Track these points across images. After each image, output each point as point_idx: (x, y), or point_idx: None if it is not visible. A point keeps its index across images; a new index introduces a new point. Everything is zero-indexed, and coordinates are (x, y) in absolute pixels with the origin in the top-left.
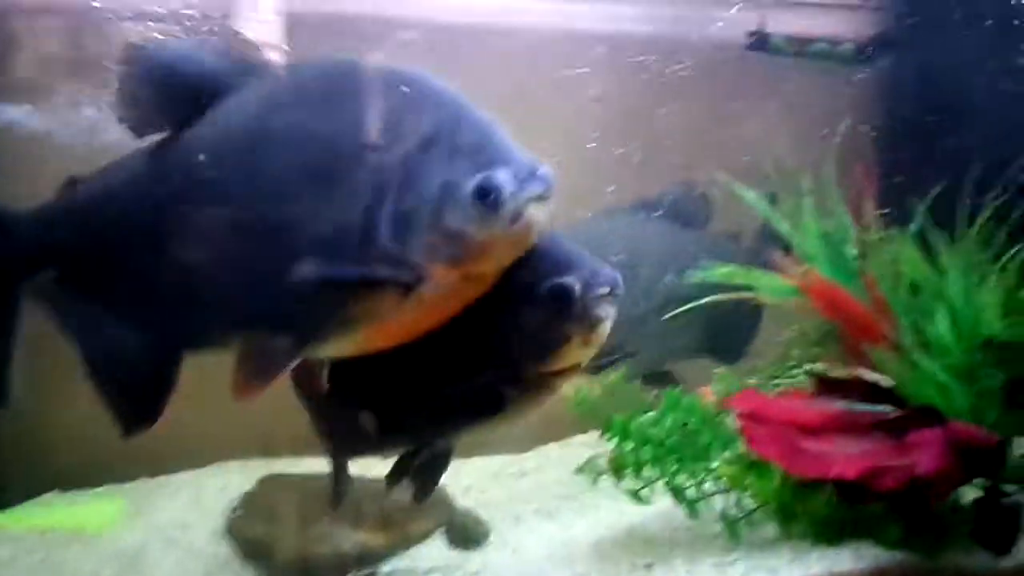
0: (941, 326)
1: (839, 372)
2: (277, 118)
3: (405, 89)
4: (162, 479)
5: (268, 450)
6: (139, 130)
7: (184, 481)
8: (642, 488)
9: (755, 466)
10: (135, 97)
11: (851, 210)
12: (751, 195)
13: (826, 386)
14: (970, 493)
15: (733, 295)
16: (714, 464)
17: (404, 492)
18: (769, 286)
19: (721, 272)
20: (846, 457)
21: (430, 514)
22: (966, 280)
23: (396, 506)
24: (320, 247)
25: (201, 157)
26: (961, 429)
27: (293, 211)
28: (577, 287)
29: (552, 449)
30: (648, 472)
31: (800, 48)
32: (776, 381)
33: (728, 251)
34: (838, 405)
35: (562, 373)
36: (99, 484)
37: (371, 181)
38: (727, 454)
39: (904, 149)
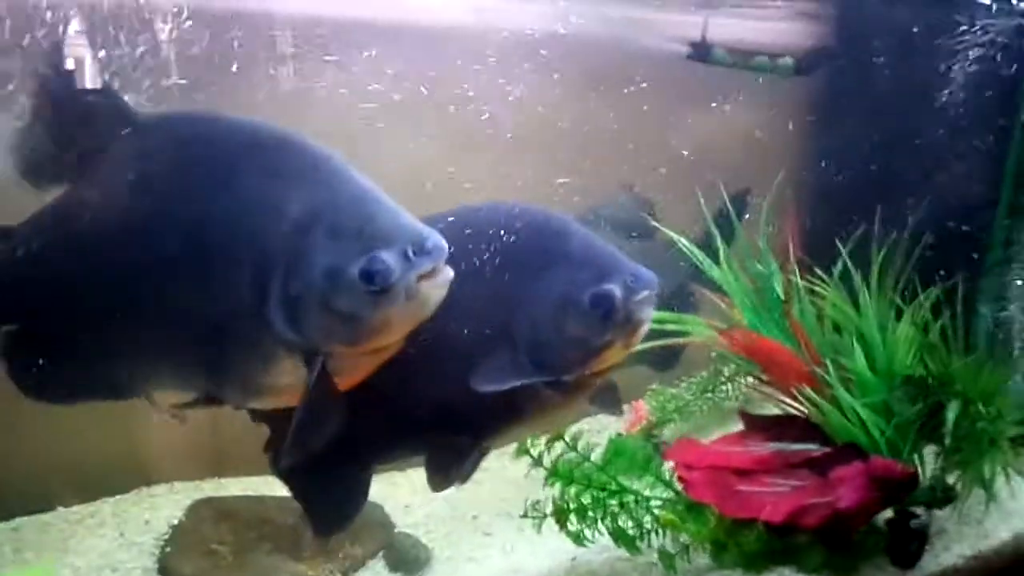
0: (860, 364)
1: (767, 411)
2: (161, 187)
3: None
4: (81, 509)
5: (193, 471)
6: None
7: (106, 512)
8: (584, 529)
9: (692, 508)
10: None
11: (779, 250)
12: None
13: (757, 425)
14: (884, 514)
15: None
16: (653, 505)
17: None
18: (697, 329)
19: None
20: (775, 498)
21: (370, 538)
22: (881, 319)
23: None
24: (213, 328)
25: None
26: (880, 464)
27: (176, 292)
28: (618, 294)
29: (491, 459)
30: (590, 513)
31: (741, 60)
32: (708, 395)
33: (672, 266)
34: (769, 446)
35: (600, 373)
36: (10, 516)
37: (257, 263)
38: (665, 494)
39: (837, 180)
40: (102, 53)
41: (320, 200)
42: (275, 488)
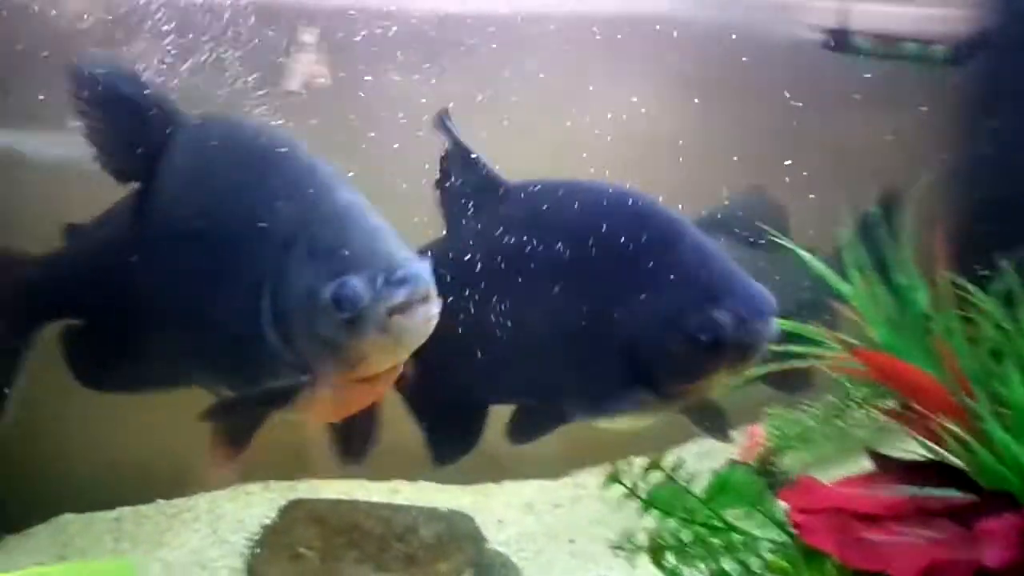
0: (1019, 395)
1: (904, 446)
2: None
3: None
4: (179, 503)
5: (290, 471)
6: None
7: (202, 508)
8: (682, 568)
9: (808, 556)
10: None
11: (924, 260)
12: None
13: (888, 464)
14: None
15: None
16: (763, 548)
17: (426, 527)
18: (826, 346)
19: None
20: (907, 550)
21: (458, 551)
22: None
23: (422, 544)
24: (228, 336)
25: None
26: None
27: (199, 297)
28: (729, 323)
29: (589, 476)
30: (690, 550)
31: (885, 48)
32: (835, 422)
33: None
34: (903, 489)
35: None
36: (112, 506)
37: (252, 277)
38: (778, 537)
39: (998, 183)
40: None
41: (303, 216)
42: (369, 492)
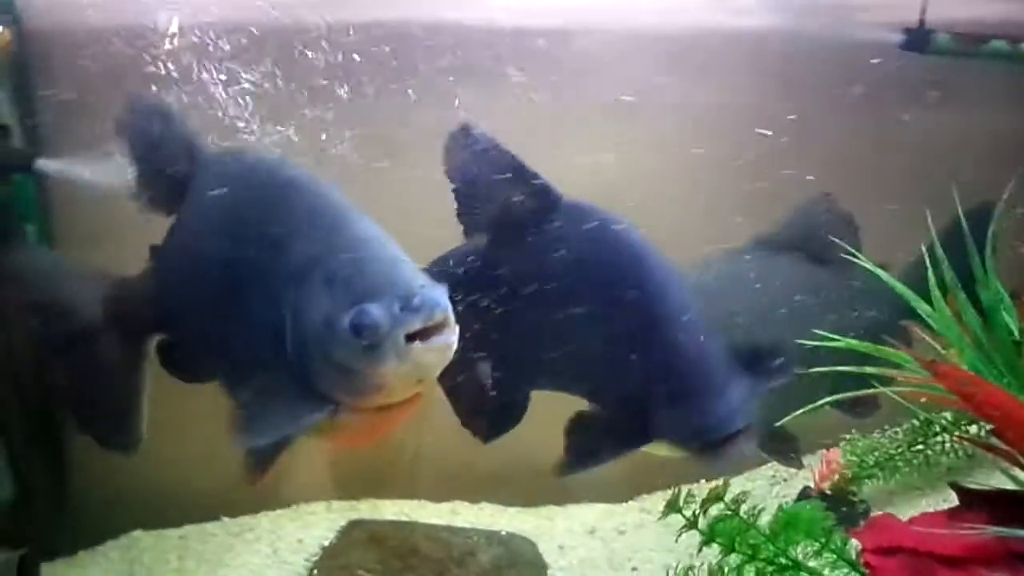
0: None
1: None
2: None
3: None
4: (243, 521)
5: (349, 491)
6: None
7: (264, 527)
8: None
9: None
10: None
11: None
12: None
13: (973, 499)
14: None
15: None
16: None
17: (486, 552)
18: (902, 365)
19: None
20: None
21: None
22: None
23: (480, 569)
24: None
25: None
26: None
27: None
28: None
29: (654, 500)
30: None
31: (971, 47)
32: (918, 448)
33: (867, 294)
34: (989, 530)
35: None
36: (180, 524)
37: (273, 307)
38: None
39: None
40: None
41: (319, 246)
42: (429, 513)
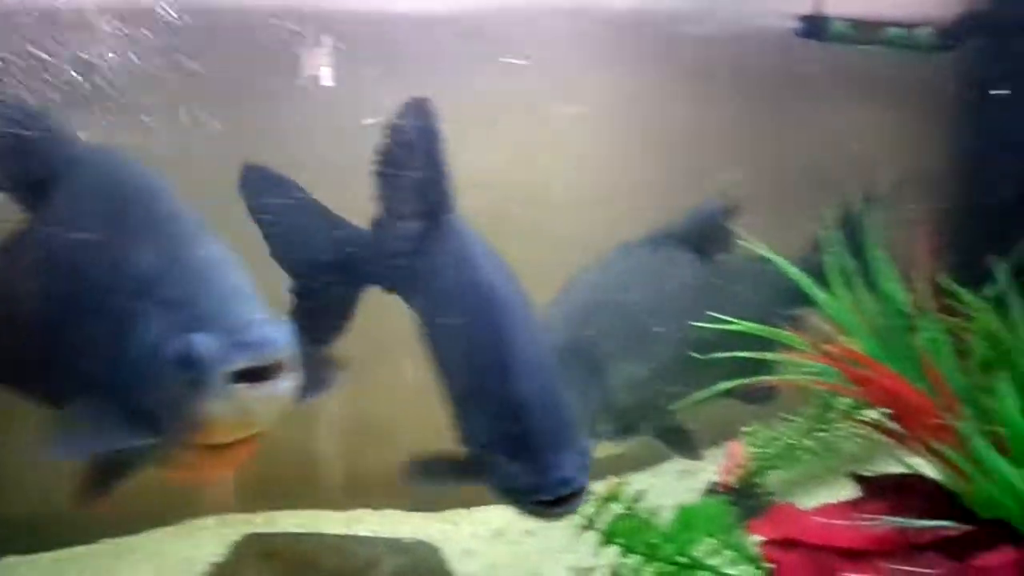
0: (1011, 412)
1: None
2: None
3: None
4: (125, 541)
5: (244, 504)
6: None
7: (147, 548)
8: None
9: None
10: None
11: (906, 264)
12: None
13: (873, 488)
14: None
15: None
16: None
17: (388, 562)
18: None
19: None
20: None
21: None
22: None
23: None
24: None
25: None
26: None
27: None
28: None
29: None
30: None
31: (868, 34)
32: (819, 434)
33: (756, 281)
34: (889, 521)
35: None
36: (53, 547)
37: (115, 320)
38: (752, 572)
39: (991, 180)
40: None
41: (161, 262)
42: (330, 523)
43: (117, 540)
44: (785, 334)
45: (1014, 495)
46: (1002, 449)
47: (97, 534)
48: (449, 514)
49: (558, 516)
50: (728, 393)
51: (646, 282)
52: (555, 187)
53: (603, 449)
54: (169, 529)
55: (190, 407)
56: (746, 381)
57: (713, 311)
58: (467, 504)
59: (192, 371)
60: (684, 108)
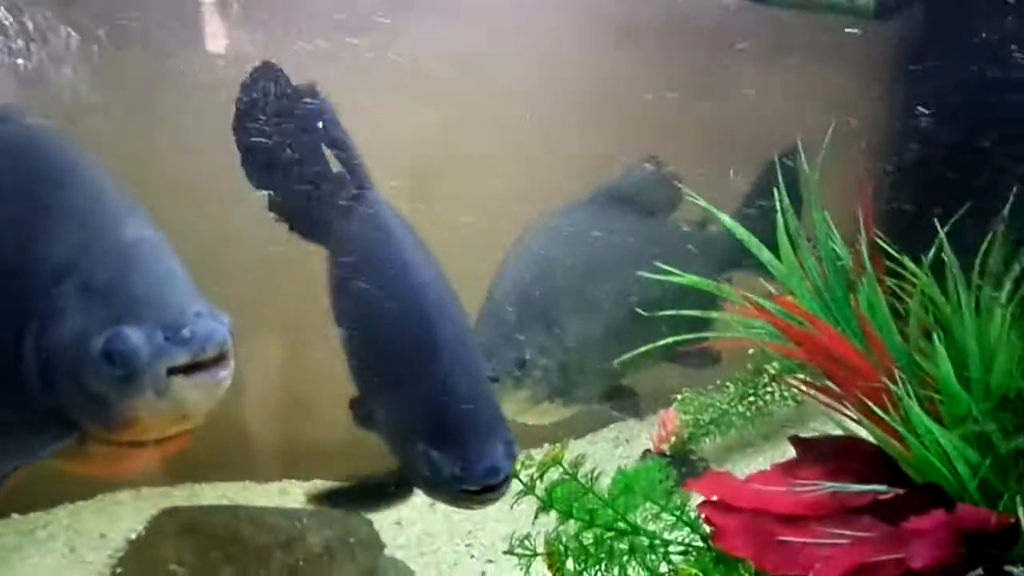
0: (946, 375)
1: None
2: None
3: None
4: (37, 518)
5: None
6: None
7: (61, 523)
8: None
9: (722, 560)
10: None
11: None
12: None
13: (810, 451)
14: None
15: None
16: (673, 552)
17: (316, 534)
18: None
19: (688, 281)
20: (830, 552)
21: (349, 563)
22: (980, 320)
23: (309, 554)
24: None
25: None
26: (970, 514)
27: None
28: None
29: None
30: (591, 555)
31: (808, 1)
32: (750, 401)
33: (696, 242)
34: (824, 486)
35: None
36: None
37: (16, 308)
38: (690, 538)
39: (926, 145)
40: None
41: (79, 244)
42: (255, 496)
43: (28, 517)
44: (727, 290)
45: (944, 458)
46: (936, 415)
47: (5, 510)
48: None
49: (484, 505)
50: (671, 358)
51: (593, 241)
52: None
53: (555, 411)
54: (83, 504)
55: (119, 404)
56: (687, 337)
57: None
58: None
59: (122, 367)
60: (619, 70)
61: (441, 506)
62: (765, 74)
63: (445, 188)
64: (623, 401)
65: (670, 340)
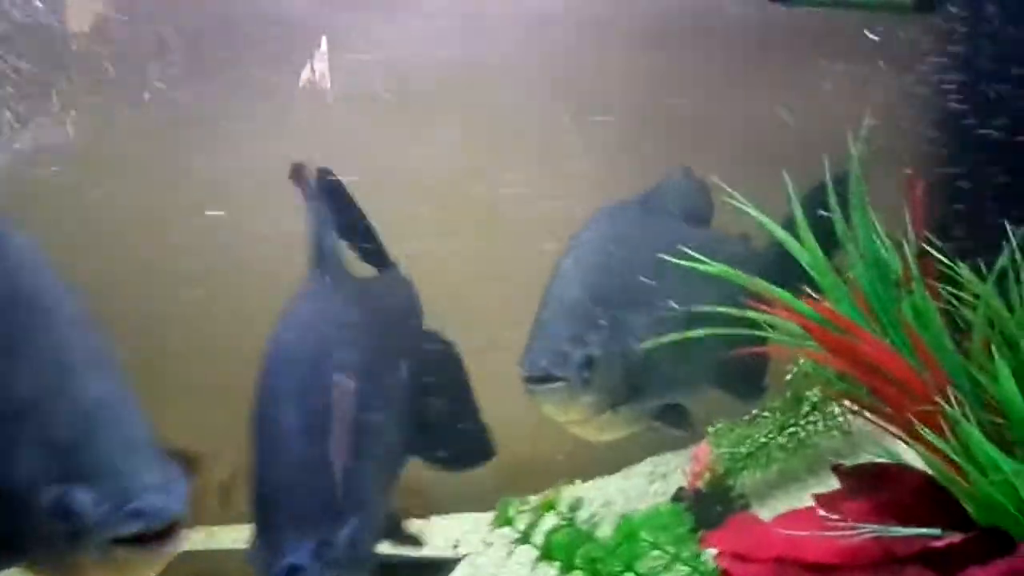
0: (1011, 394)
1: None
2: None
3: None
4: None
5: None
6: None
7: None
8: None
9: None
10: None
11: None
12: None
13: (855, 482)
14: None
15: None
16: None
17: None
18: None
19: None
20: None
21: None
22: None
23: None
24: None
25: None
26: None
27: None
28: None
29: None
30: None
31: None
32: (791, 429)
33: (739, 256)
34: (863, 530)
35: None
36: None
37: None
38: None
39: (982, 148)
40: None
41: (45, 388)
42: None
43: None
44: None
45: (1010, 491)
46: (1000, 441)
47: None
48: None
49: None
50: (721, 383)
51: (643, 245)
52: None
53: (616, 425)
54: None
55: (64, 551)
56: (736, 331)
57: (703, 280)
58: (425, 514)
59: (70, 525)
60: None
61: (466, 548)
62: (805, 75)
63: None
64: (674, 417)
65: (720, 331)
